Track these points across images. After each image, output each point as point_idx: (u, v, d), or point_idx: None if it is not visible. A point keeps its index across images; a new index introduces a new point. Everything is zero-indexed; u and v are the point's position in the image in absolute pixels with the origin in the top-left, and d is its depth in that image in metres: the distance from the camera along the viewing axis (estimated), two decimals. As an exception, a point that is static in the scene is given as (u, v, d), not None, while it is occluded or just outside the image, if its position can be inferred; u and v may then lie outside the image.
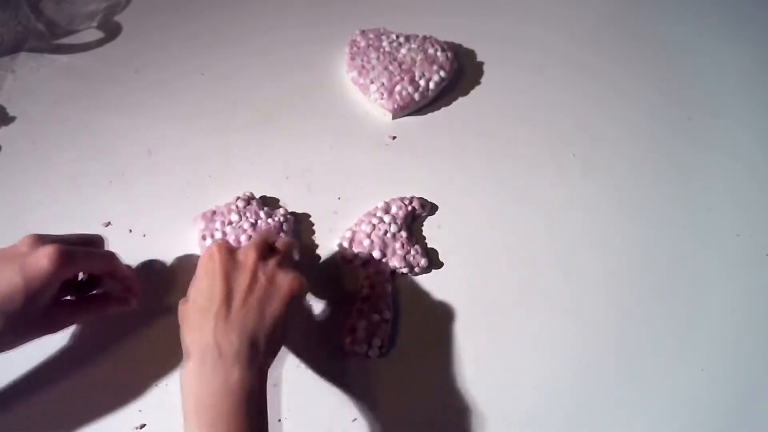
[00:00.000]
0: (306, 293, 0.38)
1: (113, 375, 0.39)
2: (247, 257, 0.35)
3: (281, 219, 0.45)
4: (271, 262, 0.35)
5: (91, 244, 0.39)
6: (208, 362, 0.31)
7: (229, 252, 0.35)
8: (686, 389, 0.40)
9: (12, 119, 0.52)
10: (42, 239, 0.34)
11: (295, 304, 0.35)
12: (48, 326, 0.36)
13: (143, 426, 0.37)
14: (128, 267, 0.41)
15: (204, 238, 0.43)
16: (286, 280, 0.35)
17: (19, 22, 0.59)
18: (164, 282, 0.43)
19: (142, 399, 0.38)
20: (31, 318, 0.34)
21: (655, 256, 0.47)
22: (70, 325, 0.39)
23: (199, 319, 0.33)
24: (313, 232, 0.46)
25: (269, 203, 0.47)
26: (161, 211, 0.47)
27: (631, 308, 0.44)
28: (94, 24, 0.61)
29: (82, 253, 0.35)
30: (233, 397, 0.30)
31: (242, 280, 0.34)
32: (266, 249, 0.36)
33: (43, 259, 0.32)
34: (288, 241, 0.39)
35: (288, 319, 0.35)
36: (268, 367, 0.34)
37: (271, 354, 0.34)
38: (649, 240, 0.48)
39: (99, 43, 0.59)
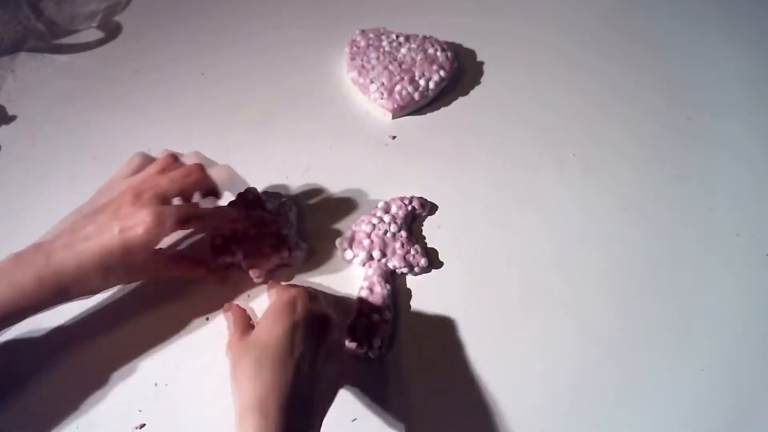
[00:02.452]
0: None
1: (113, 374, 0.39)
2: (328, 313, 0.35)
3: (286, 209, 0.45)
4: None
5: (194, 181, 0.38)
6: (282, 417, 0.29)
7: (311, 302, 0.34)
8: (686, 389, 0.40)
9: (12, 119, 0.52)
10: (141, 191, 0.35)
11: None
12: (139, 276, 0.39)
13: (143, 426, 0.37)
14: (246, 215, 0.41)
15: (210, 240, 0.43)
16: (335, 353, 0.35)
17: (19, 22, 0.59)
18: (164, 285, 0.43)
19: (142, 399, 0.38)
20: (125, 270, 0.36)
21: (655, 256, 0.47)
22: (158, 276, 0.40)
23: (274, 365, 0.30)
24: (314, 232, 0.46)
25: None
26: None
27: (630, 308, 0.44)
28: (94, 24, 0.61)
29: (177, 221, 0.35)
30: None
31: (327, 337, 0.33)
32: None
33: (140, 227, 0.34)
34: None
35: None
36: (321, 424, 0.32)
37: (328, 408, 0.33)
38: (649, 240, 0.47)
39: (99, 43, 0.59)
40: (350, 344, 0.40)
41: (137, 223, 0.34)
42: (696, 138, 0.54)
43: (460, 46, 0.60)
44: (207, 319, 0.42)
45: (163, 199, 0.36)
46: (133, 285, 0.42)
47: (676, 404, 0.40)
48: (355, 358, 0.40)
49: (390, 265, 0.43)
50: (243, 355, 0.32)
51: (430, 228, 0.47)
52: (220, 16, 0.62)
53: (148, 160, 0.40)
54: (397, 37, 0.57)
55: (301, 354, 0.31)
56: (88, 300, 0.41)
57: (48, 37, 0.59)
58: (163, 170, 0.38)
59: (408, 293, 0.44)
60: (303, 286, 0.37)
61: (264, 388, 0.29)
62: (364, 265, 0.44)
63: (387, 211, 0.46)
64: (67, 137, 0.51)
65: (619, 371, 0.41)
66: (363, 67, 0.54)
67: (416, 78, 0.53)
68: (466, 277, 0.45)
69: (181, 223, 0.35)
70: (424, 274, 0.45)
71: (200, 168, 0.39)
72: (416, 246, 0.45)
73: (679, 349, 0.42)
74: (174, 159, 0.39)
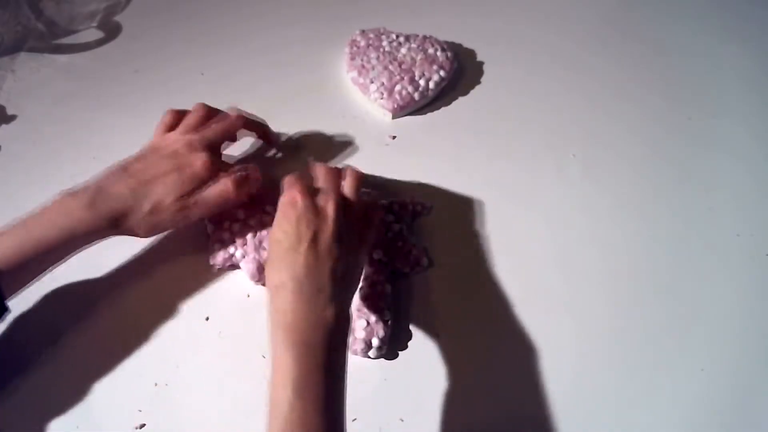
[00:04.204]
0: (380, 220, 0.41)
1: (113, 374, 0.39)
2: (327, 205, 0.36)
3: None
4: (346, 210, 0.37)
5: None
6: (304, 297, 0.33)
7: (310, 197, 0.36)
8: (686, 389, 0.40)
9: (12, 119, 0.52)
10: (192, 141, 0.40)
11: (366, 254, 0.39)
12: (187, 217, 0.40)
13: (143, 426, 0.37)
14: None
15: (213, 242, 0.43)
16: (362, 230, 0.38)
17: (19, 22, 0.59)
18: (163, 285, 0.43)
19: (142, 399, 0.38)
20: (176, 208, 0.39)
21: (655, 256, 0.47)
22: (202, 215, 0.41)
23: (289, 256, 0.34)
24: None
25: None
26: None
27: (630, 308, 0.44)
28: (94, 24, 0.61)
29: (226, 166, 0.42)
30: (325, 330, 0.32)
31: (326, 228, 0.35)
32: (341, 205, 0.37)
33: (198, 162, 0.39)
34: (356, 172, 0.41)
35: (363, 267, 0.38)
36: (350, 303, 0.36)
37: (352, 297, 0.36)
38: (649, 240, 0.47)
39: (99, 43, 0.59)
40: (350, 344, 0.40)
41: (194, 160, 0.39)
42: (696, 138, 0.54)
43: (460, 46, 0.60)
44: (207, 319, 0.42)
45: (212, 147, 0.41)
46: (133, 286, 0.42)
47: (676, 404, 0.40)
48: (355, 357, 0.40)
49: (390, 265, 0.43)
50: (268, 252, 0.37)
51: (430, 228, 0.47)
52: (220, 16, 0.62)
53: (179, 114, 0.43)
54: (397, 37, 0.57)
55: (310, 241, 0.34)
56: (88, 299, 0.41)
57: (48, 37, 0.59)
58: (202, 119, 0.43)
59: (408, 293, 0.44)
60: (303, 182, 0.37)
61: (282, 272, 0.34)
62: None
63: (387, 211, 0.46)
64: (67, 137, 0.51)
65: (619, 371, 0.41)
66: (363, 67, 0.54)
67: (416, 78, 0.53)
68: (466, 277, 0.45)
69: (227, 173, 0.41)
70: (424, 274, 0.45)
71: (240, 117, 0.44)
72: (416, 246, 0.45)
73: (679, 349, 0.42)
74: (207, 108, 0.44)
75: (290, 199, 0.36)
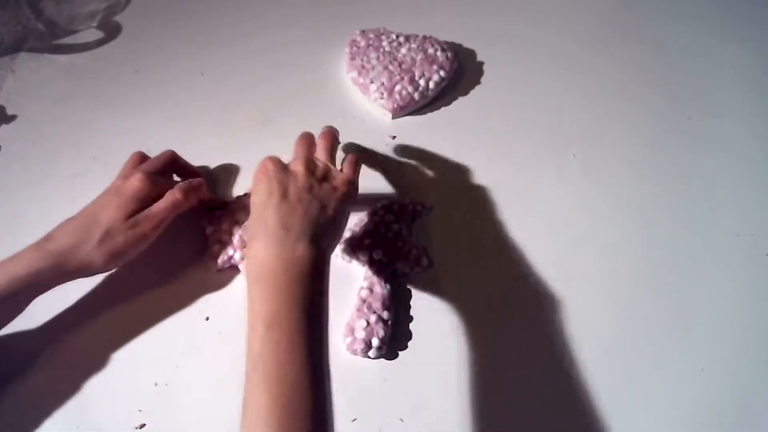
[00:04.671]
0: (356, 194, 0.41)
1: (113, 375, 0.39)
2: (296, 164, 0.38)
3: None
4: (319, 172, 0.38)
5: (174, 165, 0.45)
6: (274, 239, 0.33)
7: (280, 162, 0.38)
8: (686, 389, 0.40)
9: (12, 119, 0.52)
10: (129, 174, 0.42)
11: (347, 203, 0.38)
12: (136, 238, 0.40)
13: (143, 426, 0.37)
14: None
15: (212, 244, 0.43)
16: (337, 183, 0.38)
17: (19, 22, 0.60)
18: (163, 285, 0.43)
19: (142, 399, 0.38)
20: (122, 232, 0.38)
21: (655, 256, 0.47)
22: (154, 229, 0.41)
23: (262, 211, 0.35)
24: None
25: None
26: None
27: (630, 308, 0.44)
28: (94, 24, 0.61)
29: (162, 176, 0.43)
30: (298, 268, 0.32)
31: (295, 182, 0.37)
32: (312, 162, 0.39)
33: (134, 180, 0.40)
34: (329, 133, 0.43)
35: (343, 215, 0.38)
36: (331, 252, 0.36)
37: (332, 241, 0.36)
38: (649, 240, 0.47)
39: (99, 43, 0.59)
40: (350, 344, 0.40)
41: (132, 182, 0.40)
42: (696, 138, 0.54)
43: (460, 46, 0.60)
44: (207, 319, 0.42)
45: (149, 173, 0.42)
46: (133, 286, 0.42)
47: (676, 404, 0.40)
48: (355, 357, 0.40)
49: (390, 265, 0.43)
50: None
51: (430, 228, 0.47)
52: (220, 16, 0.62)
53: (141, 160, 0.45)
54: (397, 37, 0.57)
55: (280, 195, 0.35)
56: (88, 300, 0.41)
57: (48, 37, 0.59)
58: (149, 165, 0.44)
59: (408, 293, 0.44)
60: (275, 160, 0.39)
61: (255, 226, 0.35)
62: (364, 265, 0.44)
63: (387, 211, 0.46)
64: (67, 137, 0.51)
65: (619, 371, 0.41)
66: (363, 67, 0.54)
67: (416, 78, 0.53)
68: (466, 277, 0.45)
69: (162, 171, 0.43)
70: (424, 274, 0.45)
71: (170, 152, 0.45)
72: (416, 246, 0.45)
73: (679, 349, 0.42)
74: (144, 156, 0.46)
75: (262, 165, 0.38)
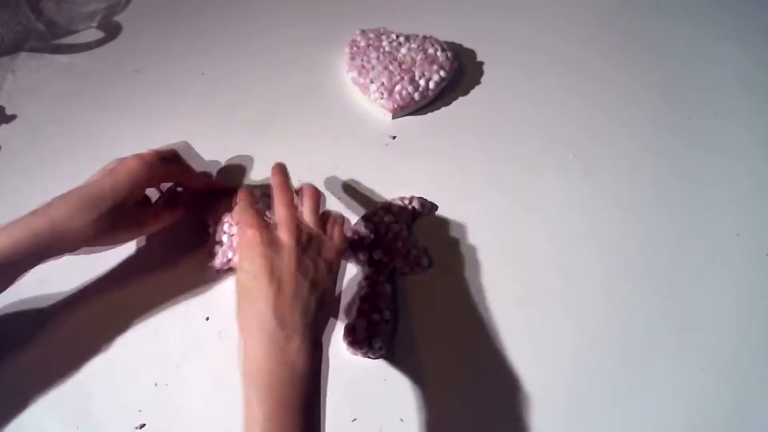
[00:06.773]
0: (345, 255, 0.40)
1: (113, 374, 0.39)
2: (284, 236, 0.35)
3: None
4: (309, 240, 0.36)
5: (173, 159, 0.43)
6: (268, 337, 0.32)
7: (267, 232, 0.35)
8: (686, 389, 0.40)
9: (12, 119, 0.52)
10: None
11: (337, 272, 0.37)
12: (135, 229, 0.41)
13: (143, 426, 0.37)
14: (205, 173, 0.48)
15: (212, 245, 0.43)
16: (329, 255, 0.36)
17: (19, 22, 0.60)
18: (163, 285, 0.43)
19: (142, 399, 0.38)
20: (120, 218, 0.38)
21: (655, 256, 0.47)
22: (152, 230, 0.42)
23: (253, 299, 0.33)
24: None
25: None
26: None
27: (630, 308, 0.44)
28: (94, 24, 0.61)
29: (159, 158, 0.41)
30: (293, 370, 0.31)
31: (286, 262, 0.34)
32: (299, 228, 0.36)
33: (130, 161, 0.39)
34: (315, 192, 0.40)
35: (334, 287, 0.36)
36: (323, 329, 0.35)
37: (325, 323, 0.35)
38: (649, 240, 0.47)
39: (99, 43, 0.59)
40: (350, 344, 0.40)
41: (125, 163, 0.39)
42: (696, 138, 0.54)
43: (460, 46, 0.60)
44: (207, 319, 0.42)
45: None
46: (133, 286, 0.42)
47: (676, 404, 0.40)
48: (355, 357, 0.40)
49: (390, 265, 0.43)
50: (236, 294, 0.35)
51: (430, 228, 0.47)
52: (220, 16, 0.62)
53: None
54: (397, 37, 0.57)
55: (271, 277, 0.33)
56: (88, 299, 0.41)
57: (48, 37, 0.59)
58: None
59: (408, 293, 0.44)
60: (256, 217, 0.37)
61: (247, 319, 0.33)
62: (364, 265, 0.44)
63: (387, 211, 0.46)
64: (67, 137, 0.51)
65: (619, 371, 0.41)
66: (363, 67, 0.54)
67: (416, 78, 0.53)
68: (466, 277, 0.45)
69: (162, 160, 0.41)
70: (424, 274, 0.45)
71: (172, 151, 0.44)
72: (416, 246, 0.45)
73: (679, 349, 0.42)
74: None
75: (248, 239, 0.35)
